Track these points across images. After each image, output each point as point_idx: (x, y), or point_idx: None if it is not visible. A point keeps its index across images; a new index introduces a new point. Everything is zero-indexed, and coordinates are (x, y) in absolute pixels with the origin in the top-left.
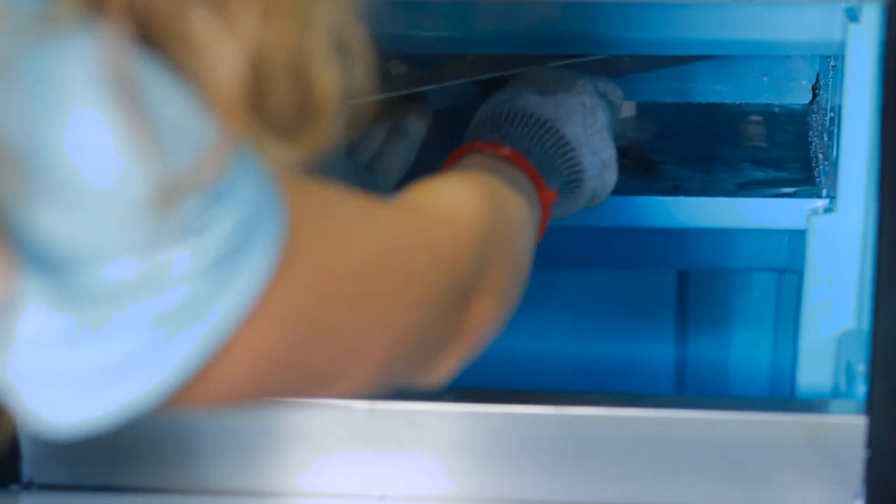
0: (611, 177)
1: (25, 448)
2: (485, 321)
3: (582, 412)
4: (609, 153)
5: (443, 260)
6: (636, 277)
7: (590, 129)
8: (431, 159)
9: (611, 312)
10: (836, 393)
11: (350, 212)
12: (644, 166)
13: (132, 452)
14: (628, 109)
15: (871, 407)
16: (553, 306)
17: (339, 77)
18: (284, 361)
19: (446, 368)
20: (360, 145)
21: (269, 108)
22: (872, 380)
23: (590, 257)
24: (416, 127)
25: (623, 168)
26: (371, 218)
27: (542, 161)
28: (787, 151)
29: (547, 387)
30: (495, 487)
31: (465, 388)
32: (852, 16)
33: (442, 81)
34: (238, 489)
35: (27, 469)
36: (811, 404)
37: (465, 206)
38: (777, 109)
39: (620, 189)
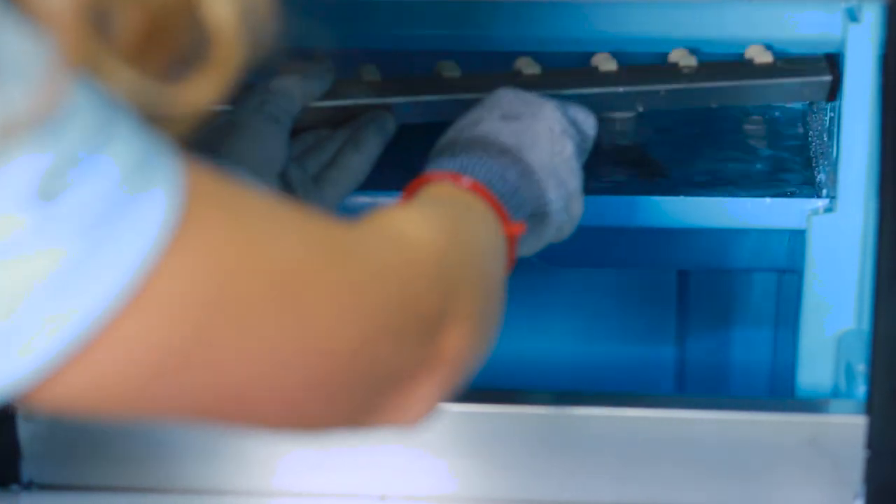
0: (577, 210)
1: (25, 448)
2: (459, 352)
3: (582, 412)
4: (575, 184)
5: (391, 277)
6: (636, 277)
7: (556, 157)
8: (391, 177)
9: (611, 312)
10: (836, 393)
11: (273, 207)
12: (644, 166)
13: (132, 452)
14: None
15: (871, 407)
16: (553, 306)
17: (236, 6)
18: (177, 363)
19: (421, 403)
20: (310, 153)
21: (153, 45)
22: (872, 380)
23: (590, 257)
24: (374, 141)
25: (623, 168)
26: (301, 219)
27: (505, 192)
28: (787, 151)
29: (547, 387)
30: (495, 487)
31: (464, 389)
32: (852, 16)
33: (413, 95)
34: (238, 489)
35: (27, 469)
36: (811, 404)
37: (420, 229)
38: (777, 110)
39: (620, 189)
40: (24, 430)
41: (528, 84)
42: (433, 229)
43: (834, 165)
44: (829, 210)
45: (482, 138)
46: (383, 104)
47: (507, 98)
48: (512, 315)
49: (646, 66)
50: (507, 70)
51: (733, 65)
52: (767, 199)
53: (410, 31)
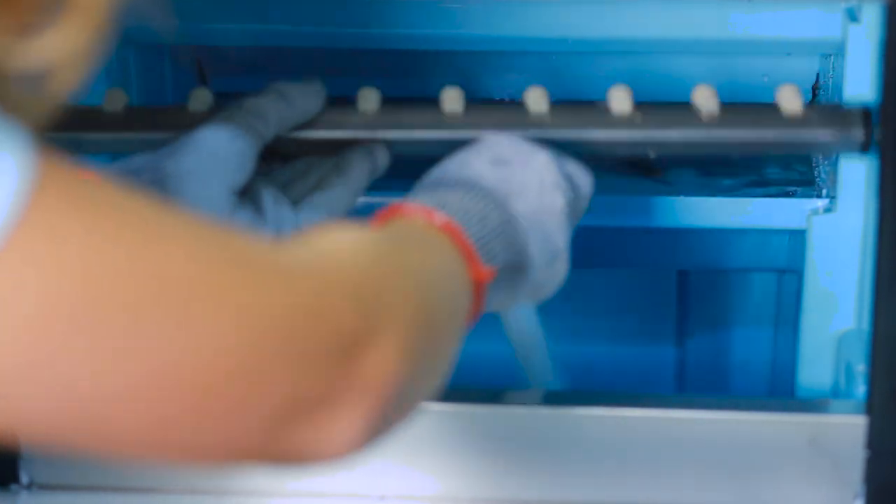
0: (561, 268)
1: (25, 448)
2: (386, 380)
3: (582, 412)
4: (562, 242)
5: (298, 291)
6: (636, 277)
7: (544, 210)
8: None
9: (611, 312)
10: (836, 393)
11: (154, 213)
12: (644, 166)
13: None
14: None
15: (871, 407)
16: (553, 306)
17: None
18: (16, 375)
19: (341, 436)
20: (297, 179)
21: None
22: (872, 380)
23: (590, 257)
24: (359, 169)
25: (623, 168)
26: (192, 228)
27: (480, 237)
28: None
29: (547, 387)
30: (494, 488)
31: (464, 389)
32: (852, 16)
33: (410, 130)
34: (238, 489)
35: (27, 469)
36: (811, 404)
37: (349, 249)
38: None
39: (621, 189)
40: None
41: (534, 122)
42: (364, 251)
43: (834, 165)
44: (828, 210)
45: (467, 180)
46: (377, 139)
47: (501, 143)
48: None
49: (663, 105)
50: (514, 102)
51: (759, 112)
52: (767, 199)
53: (422, 31)
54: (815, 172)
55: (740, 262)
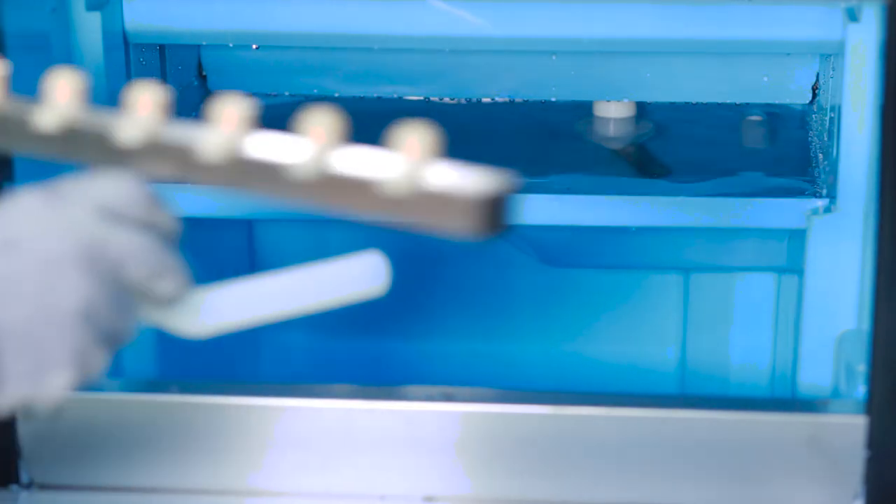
0: (58, 382)
1: (25, 448)
2: None
3: (582, 412)
4: (61, 352)
5: None
6: (638, 278)
7: (43, 314)
8: None
9: (612, 313)
10: (836, 393)
11: None
12: (644, 166)
13: (131, 453)
14: (628, 109)
15: (871, 407)
16: (553, 306)
17: None
18: None
19: None
20: None
21: None
22: (872, 380)
23: (590, 257)
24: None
25: (623, 168)
26: None
27: None
28: (787, 151)
29: (547, 387)
30: (495, 487)
31: (465, 388)
32: (852, 15)
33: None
34: (237, 489)
35: (27, 469)
36: (811, 404)
37: None
38: (777, 109)
39: (621, 189)
40: (23, 430)
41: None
42: None
43: (834, 165)
44: (828, 210)
45: None
46: None
47: (16, 216)
48: (512, 315)
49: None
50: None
51: None
52: (767, 199)
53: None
54: (815, 172)
55: (740, 262)
